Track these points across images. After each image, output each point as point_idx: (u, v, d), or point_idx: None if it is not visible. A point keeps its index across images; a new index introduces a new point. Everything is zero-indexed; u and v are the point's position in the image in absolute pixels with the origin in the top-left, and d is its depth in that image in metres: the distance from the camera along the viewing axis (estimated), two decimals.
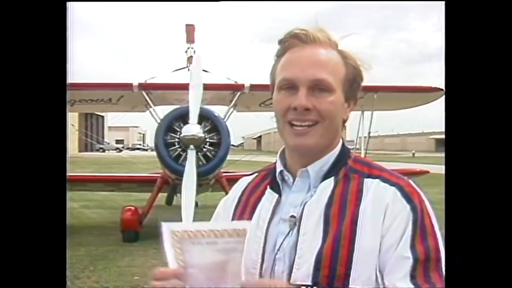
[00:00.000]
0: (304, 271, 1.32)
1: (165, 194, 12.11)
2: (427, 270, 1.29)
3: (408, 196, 1.36)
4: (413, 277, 1.29)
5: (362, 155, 11.49)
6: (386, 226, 1.32)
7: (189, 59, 11.10)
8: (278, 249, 1.38)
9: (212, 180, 10.30)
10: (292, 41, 1.41)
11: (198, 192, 9.67)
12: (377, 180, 1.39)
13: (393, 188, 1.37)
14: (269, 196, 1.46)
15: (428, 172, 14.92)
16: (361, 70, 1.45)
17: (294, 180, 1.44)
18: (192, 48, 11.30)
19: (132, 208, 10.49)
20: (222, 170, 10.44)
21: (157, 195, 10.90)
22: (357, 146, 12.30)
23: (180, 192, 9.17)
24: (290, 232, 1.37)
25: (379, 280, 1.32)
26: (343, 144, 1.48)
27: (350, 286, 1.30)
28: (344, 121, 1.47)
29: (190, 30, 11.26)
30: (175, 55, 13.69)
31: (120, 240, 9.94)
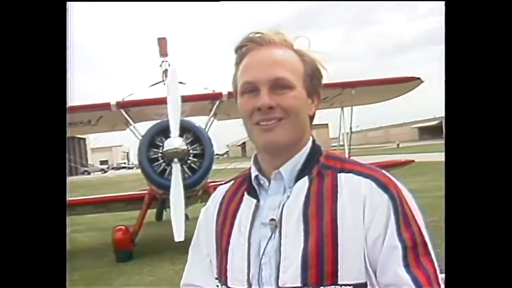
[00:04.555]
0: (291, 273, 1.33)
1: (155, 210, 12.05)
2: (417, 256, 1.32)
3: (384, 185, 1.37)
4: (407, 265, 1.30)
5: (346, 151, 11.56)
6: (369, 219, 1.33)
7: (164, 72, 11.07)
8: (263, 254, 1.38)
9: (200, 191, 10.26)
10: (249, 45, 1.44)
11: (187, 204, 9.63)
12: (351, 174, 1.40)
13: (367, 180, 1.38)
14: (248, 202, 1.47)
15: (413, 161, 15.05)
16: (319, 68, 1.48)
17: (269, 183, 1.45)
18: (166, 61, 11.27)
19: (123, 227, 10.39)
20: (209, 180, 10.40)
21: (146, 212, 10.84)
22: (341, 143, 12.34)
23: (169, 206, 9.13)
24: (272, 236, 1.38)
25: (371, 273, 1.33)
26: (313, 142, 1.49)
27: (339, 282, 1.31)
28: (311, 118, 1.49)
29: (162, 43, 11.22)
30: (150, 70, 13.63)
31: (114, 260, 9.84)
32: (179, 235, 8.31)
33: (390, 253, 1.32)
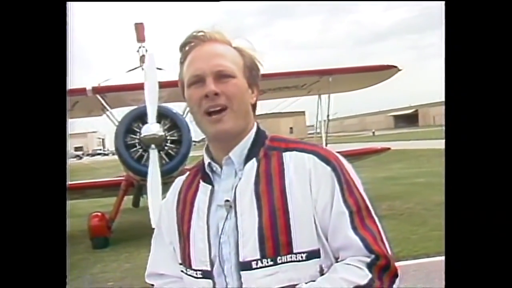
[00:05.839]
0: (250, 248, 1.45)
1: (131, 197, 11.99)
2: (362, 218, 1.47)
3: (325, 158, 1.51)
4: (354, 228, 1.45)
5: (323, 139, 11.58)
6: (315, 190, 1.47)
7: (142, 58, 10.99)
8: (221, 233, 1.50)
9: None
10: (193, 42, 1.56)
11: (164, 191, 9.61)
12: (294, 152, 1.53)
13: (310, 155, 1.51)
14: (203, 189, 1.59)
15: (389, 149, 15.18)
16: (256, 62, 1.61)
17: (221, 169, 1.57)
18: (143, 47, 11.19)
19: (99, 214, 10.34)
20: (186, 167, 10.39)
21: (123, 198, 10.79)
22: (318, 130, 12.41)
23: (146, 193, 9.10)
24: (228, 216, 1.50)
25: (323, 239, 1.46)
26: (258, 127, 1.61)
27: (295, 251, 1.43)
28: (254, 106, 1.60)
29: (139, 28, 11.12)
30: (127, 55, 13.51)
31: (90, 247, 9.79)
32: (155, 222, 8.29)
33: (338, 218, 1.46)
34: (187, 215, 1.59)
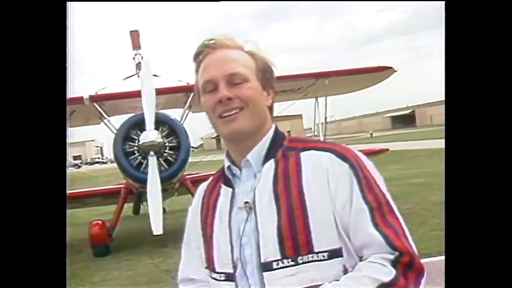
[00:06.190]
0: (270, 248, 1.45)
1: (131, 204, 11.98)
2: (383, 215, 1.45)
3: (343, 156, 1.51)
4: (375, 225, 1.43)
5: None
6: (334, 188, 1.46)
7: (138, 65, 10.99)
8: (242, 235, 1.51)
9: (177, 184, 10.24)
10: (205, 51, 1.59)
11: (164, 197, 9.61)
12: (311, 151, 1.53)
13: (327, 153, 1.51)
14: (225, 192, 1.61)
15: (387, 149, 15.20)
16: (270, 64, 1.63)
17: (241, 171, 1.59)
18: (139, 54, 11.19)
19: (100, 222, 10.30)
20: (185, 173, 10.39)
21: (123, 206, 10.77)
22: (315, 133, 12.42)
23: (146, 200, 9.10)
24: (249, 217, 1.51)
25: (344, 237, 1.45)
26: (276, 129, 1.63)
27: (315, 250, 1.43)
28: (270, 109, 1.63)
29: (134, 36, 11.13)
30: (123, 63, 13.52)
31: (91, 256, 9.77)
32: (156, 229, 8.30)
33: (358, 215, 1.44)
34: (210, 219, 1.61)
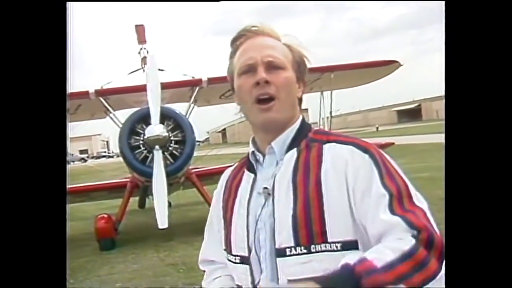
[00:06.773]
0: (285, 235, 1.47)
1: (137, 198, 12.02)
2: (402, 204, 1.42)
3: (364, 148, 1.52)
4: (392, 210, 1.41)
5: None
6: (353, 179, 1.47)
7: (143, 59, 11.00)
8: (258, 220, 1.55)
9: (182, 178, 10.26)
10: (246, 35, 1.62)
11: (169, 191, 9.63)
12: (334, 143, 1.56)
13: (349, 146, 1.53)
14: (247, 177, 1.65)
15: (393, 143, 15.16)
16: (304, 58, 1.66)
17: (264, 158, 1.62)
18: (144, 48, 11.20)
19: (106, 216, 10.34)
20: (190, 167, 10.41)
21: (128, 200, 10.81)
22: (321, 127, 12.40)
23: (151, 194, 9.12)
24: (266, 203, 1.55)
25: (362, 230, 1.45)
26: (303, 120, 1.66)
27: (329, 240, 1.44)
28: (300, 100, 1.66)
29: (140, 30, 11.14)
30: (129, 57, 13.53)
31: (97, 249, 9.82)
32: (162, 222, 8.32)
33: (377, 202, 1.43)
34: (231, 203, 1.66)
